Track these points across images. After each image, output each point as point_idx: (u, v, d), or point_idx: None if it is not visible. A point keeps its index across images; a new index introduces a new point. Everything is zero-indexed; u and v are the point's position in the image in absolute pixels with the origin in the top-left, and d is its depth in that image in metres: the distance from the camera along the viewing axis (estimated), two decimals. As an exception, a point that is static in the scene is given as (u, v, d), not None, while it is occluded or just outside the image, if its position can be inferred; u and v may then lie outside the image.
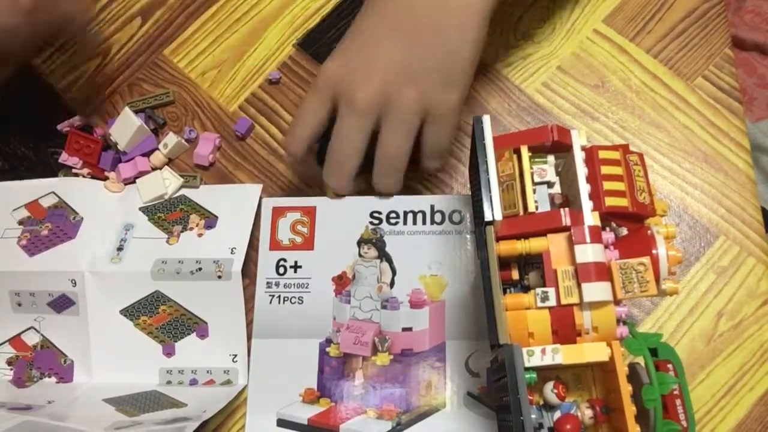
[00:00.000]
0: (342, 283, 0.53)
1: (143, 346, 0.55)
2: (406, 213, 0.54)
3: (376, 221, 0.54)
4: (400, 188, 0.53)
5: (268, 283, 0.54)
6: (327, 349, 0.52)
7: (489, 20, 0.49)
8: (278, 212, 0.55)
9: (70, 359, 0.55)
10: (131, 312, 0.55)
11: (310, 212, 0.55)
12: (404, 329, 0.51)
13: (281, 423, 0.51)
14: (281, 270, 0.54)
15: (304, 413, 0.50)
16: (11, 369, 0.56)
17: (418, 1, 0.49)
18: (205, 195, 0.58)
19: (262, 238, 0.55)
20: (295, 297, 0.53)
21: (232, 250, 0.55)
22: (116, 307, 0.55)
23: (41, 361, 0.55)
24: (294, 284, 0.53)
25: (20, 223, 0.58)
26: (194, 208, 0.57)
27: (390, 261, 0.53)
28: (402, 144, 0.50)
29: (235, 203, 0.57)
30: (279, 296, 0.53)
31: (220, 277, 0.54)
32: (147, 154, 0.60)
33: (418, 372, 0.51)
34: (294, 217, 0.55)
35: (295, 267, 0.54)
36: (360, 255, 0.53)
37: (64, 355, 0.55)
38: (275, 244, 0.54)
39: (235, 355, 0.53)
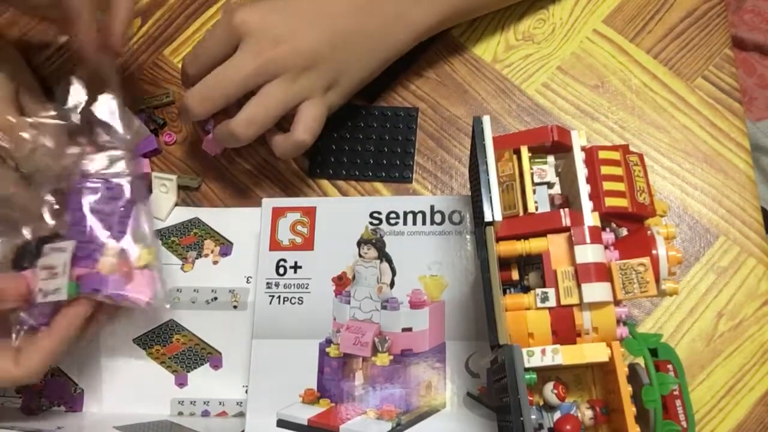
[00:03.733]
0: (342, 283, 0.53)
1: (155, 376, 0.54)
2: (405, 213, 0.54)
3: (375, 221, 0.54)
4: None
5: (268, 283, 0.54)
6: (327, 350, 0.52)
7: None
8: (278, 212, 0.55)
9: (81, 388, 0.55)
10: (144, 341, 0.55)
11: (310, 212, 0.55)
12: (404, 330, 0.51)
13: (281, 423, 0.50)
14: (281, 270, 0.54)
15: (304, 414, 0.50)
16: (20, 397, 0.55)
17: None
18: (218, 218, 0.57)
19: (262, 239, 0.55)
20: (295, 297, 0.53)
21: (247, 279, 0.55)
22: (129, 336, 0.55)
23: (51, 390, 0.55)
24: (294, 285, 0.53)
25: None
26: (208, 232, 0.57)
27: (390, 261, 0.53)
28: (275, 106, 0.51)
29: (251, 229, 0.56)
30: (279, 296, 0.53)
31: (235, 307, 0.53)
32: (147, 155, 0.60)
33: (418, 372, 0.51)
34: (294, 218, 0.55)
35: (295, 267, 0.54)
36: (360, 255, 0.53)
37: (74, 383, 0.55)
38: (275, 245, 0.54)
39: (248, 387, 0.53)
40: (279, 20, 0.51)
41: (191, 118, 0.54)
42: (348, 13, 0.52)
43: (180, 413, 0.53)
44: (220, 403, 0.53)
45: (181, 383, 0.54)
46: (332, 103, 0.54)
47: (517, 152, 0.44)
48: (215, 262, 0.55)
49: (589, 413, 0.42)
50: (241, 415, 0.52)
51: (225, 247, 0.56)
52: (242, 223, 0.57)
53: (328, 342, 0.52)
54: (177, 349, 0.54)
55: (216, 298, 0.54)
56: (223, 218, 0.57)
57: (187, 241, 0.56)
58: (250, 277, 0.55)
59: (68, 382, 0.55)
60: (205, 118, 0.54)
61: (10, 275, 0.49)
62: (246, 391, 0.53)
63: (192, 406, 0.53)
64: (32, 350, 0.47)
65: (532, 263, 0.43)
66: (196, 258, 0.56)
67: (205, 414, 0.53)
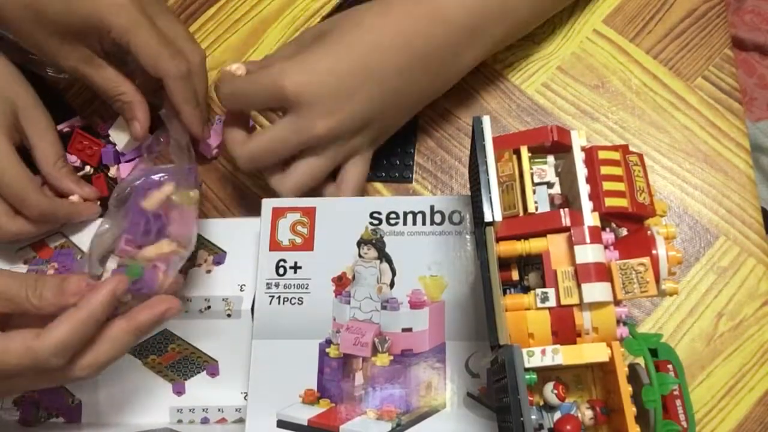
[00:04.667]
0: (342, 283, 0.53)
1: (152, 385, 0.54)
2: (405, 213, 0.54)
3: (375, 222, 0.54)
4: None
5: (267, 284, 0.53)
6: (327, 350, 0.52)
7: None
8: (278, 213, 0.55)
9: (78, 399, 0.54)
10: (139, 351, 0.54)
11: (309, 213, 0.55)
12: (404, 330, 0.51)
13: (281, 424, 0.50)
14: (281, 271, 0.54)
15: (304, 414, 0.50)
16: (18, 409, 0.55)
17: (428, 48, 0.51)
18: (212, 229, 0.57)
19: (262, 239, 0.55)
20: (294, 298, 0.53)
21: (241, 287, 0.54)
22: None
23: (48, 401, 0.55)
24: (294, 285, 0.53)
25: (25, 262, 0.57)
26: (202, 243, 0.56)
27: (390, 262, 0.53)
28: (323, 173, 0.53)
29: (244, 238, 0.56)
30: (279, 297, 0.53)
31: (229, 315, 0.53)
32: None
33: (418, 373, 0.50)
34: (294, 218, 0.55)
35: (295, 268, 0.54)
36: (360, 256, 0.53)
37: (71, 394, 0.55)
38: (275, 245, 0.54)
39: (247, 393, 0.53)
40: (330, 92, 0.49)
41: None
42: (402, 69, 0.50)
43: (179, 421, 0.53)
44: (219, 410, 0.53)
45: (179, 392, 0.54)
46: (376, 147, 0.54)
47: (517, 152, 0.44)
48: (208, 272, 0.55)
49: (589, 413, 0.42)
50: (241, 421, 0.52)
51: (218, 256, 0.56)
52: (236, 232, 0.57)
53: (328, 342, 0.52)
54: (173, 358, 0.54)
55: (209, 307, 0.53)
56: (216, 229, 0.57)
57: None
58: (244, 285, 0.54)
59: (65, 393, 0.55)
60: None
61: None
62: (245, 398, 0.53)
63: (191, 414, 0.53)
64: (56, 323, 0.44)
65: (532, 263, 0.43)
66: (189, 268, 0.56)
67: (205, 421, 0.53)
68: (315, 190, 0.54)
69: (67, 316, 0.44)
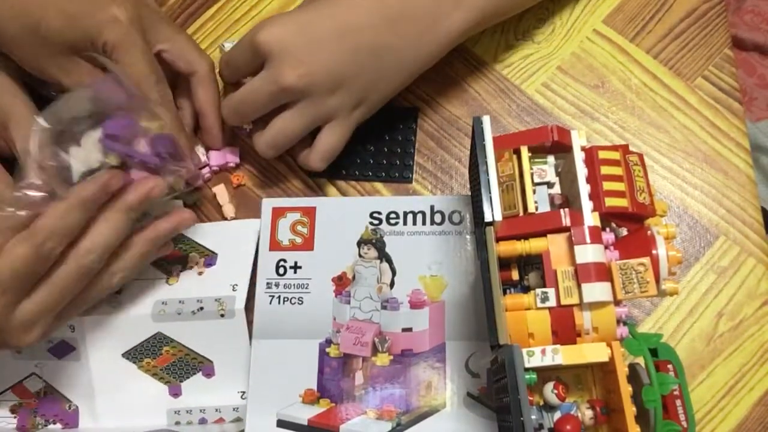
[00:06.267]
0: (342, 283, 0.53)
1: (149, 388, 0.54)
2: (405, 213, 0.54)
3: (375, 221, 0.54)
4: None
5: (267, 283, 0.54)
6: (327, 350, 0.52)
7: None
8: (278, 212, 0.55)
9: (75, 405, 0.54)
10: (134, 355, 0.54)
11: (309, 212, 0.55)
12: (404, 330, 0.51)
13: (281, 424, 0.50)
14: (281, 270, 0.54)
15: (304, 414, 0.50)
16: (15, 417, 0.55)
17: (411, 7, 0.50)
18: (203, 232, 0.57)
19: (262, 239, 0.55)
20: (295, 297, 0.53)
21: (233, 287, 0.54)
22: (118, 351, 0.54)
23: (45, 408, 0.55)
24: (294, 285, 0.53)
25: None
26: (193, 246, 0.56)
27: (390, 261, 0.53)
28: (297, 130, 0.52)
29: (234, 239, 0.56)
30: (279, 297, 0.53)
31: (222, 315, 0.53)
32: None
33: (418, 372, 0.51)
34: (294, 218, 0.55)
35: (295, 267, 0.54)
36: (360, 255, 0.53)
37: (68, 400, 0.55)
38: (275, 245, 0.54)
39: (244, 392, 0.53)
40: (301, 42, 0.49)
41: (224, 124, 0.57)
42: (376, 26, 0.50)
43: (177, 423, 0.53)
44: (216, 410, 0.53)
45: (176, 393, 0.54)
46: (358, 119, 0.53)
47: (517, 152, 0.44)
48: (200, 273, 0.55)
49: (589, 413, 0.42)
50: (239, 420, 0.52)
51: (210, 258, 0.56)
52: (226, 235, 0.56)
53: (328, 342, 0.52)
54: (168, 360, 0.54)
55: (202, 308, 0.53)
56: (206, 232, 0.57)
57: (172, 256, 0.56)
58: (236, 285, 0.54)
59: (62, 399, 0.55)
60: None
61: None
62: (242, 397, 0.53)
63: (189, 415, 0.53)
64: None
65: (532, 263, 0.43)
66: (182, 271, 0.56)
67: (203, 422, 0.53)
68: (291, 152, 0.56)
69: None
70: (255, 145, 0.54)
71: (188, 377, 0.54)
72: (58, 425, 0.54)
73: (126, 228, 0.49)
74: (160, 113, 0.51)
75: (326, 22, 0.50)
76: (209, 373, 0.54)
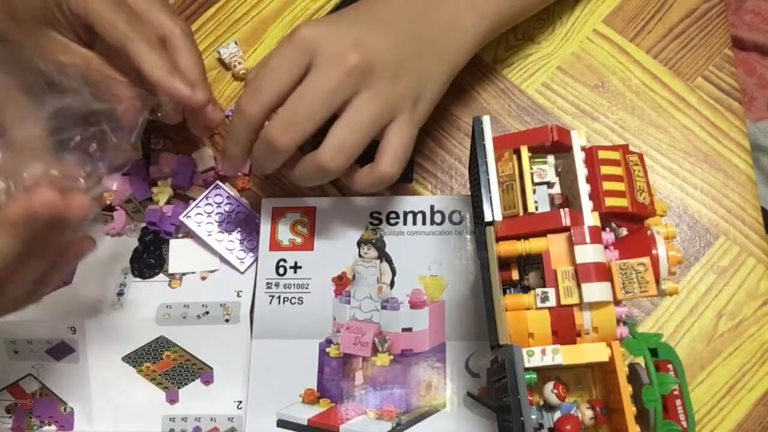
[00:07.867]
0: (342, 283, 0.53)
1: (146, 393, 0.54)
2: (406, 213, 0.54)
3: (375, 221, 0.54)
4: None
5: (268, 283, 0.54)
6: (327, 350, 0.52)
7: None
8: (278, 212, 0.55)
9: (70, 407, 0.54)
10: (134, 359, 0.54)
11: (309, 213, 0.55)
12: (404, 330, 0.51)
13: (281, 424, 0.51)
14: (281, 270, 0.54)
15: (304, 414, 0.50)
16: (11, 417, 0.55)
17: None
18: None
19: (262, 239, 0.55)
20: (295, 297, 0.53)
21: (238, 293, 0.54)
22: (118, 354, 0.54)
23: (41, 409, 0.55)
24: (294, 285, 0.53)
25: None
26: None
27: (390, 261, 0.53)
28: (367, 124, 0.45)
29: None
30: (279, 297, 0.53)
31: (227, 320, 0.53)
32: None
33: (418, 372, 0.51)
34: (294, 218, 0.55)
35: (295, 267, 0.54)
36: (360, 255, 0.53)
37: (63, 402, 0.55)
38: (275, 245, 0.54)
39: (240, 402, 0.53)
40: (348, 28, 0.46)
41: (273, 157, 0.46)
42: (408, 17, 0.48)
43: (171, 430, 0.53)
44: (211, 419, 0.53)
45: (172, 400, 0.54)
46: (419, 121, 0.48)
47: (517, 152, 0.44)
48: (203, 278, 0.55)
49: (589, 413, 0.42)
50: (233, 430, 0.52)
51: None
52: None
53: (328, 342, 0.52)
54: (167, 365, 0.54)
55: (207, 313, 0.53)
56: None
57: None
58: (241, 291, 0.54)
59: (57, 401, 0.55)
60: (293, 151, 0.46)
61: None
62: (238, 407, 0.53)
63: (183, 423, 0.53)
64: None
65: (532, 263, 0.43)
66: (183, 275, 0.56)
67: (197, 430, 0.53)
68: (344, 176, 0.48)
69: None
70: (315, 163, 0.45)
71: (186, 384, 0.54)
72: (53, 427, 0.54)
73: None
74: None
75: (362, 14, 0.48)
76: (208, 380, 0.54)
